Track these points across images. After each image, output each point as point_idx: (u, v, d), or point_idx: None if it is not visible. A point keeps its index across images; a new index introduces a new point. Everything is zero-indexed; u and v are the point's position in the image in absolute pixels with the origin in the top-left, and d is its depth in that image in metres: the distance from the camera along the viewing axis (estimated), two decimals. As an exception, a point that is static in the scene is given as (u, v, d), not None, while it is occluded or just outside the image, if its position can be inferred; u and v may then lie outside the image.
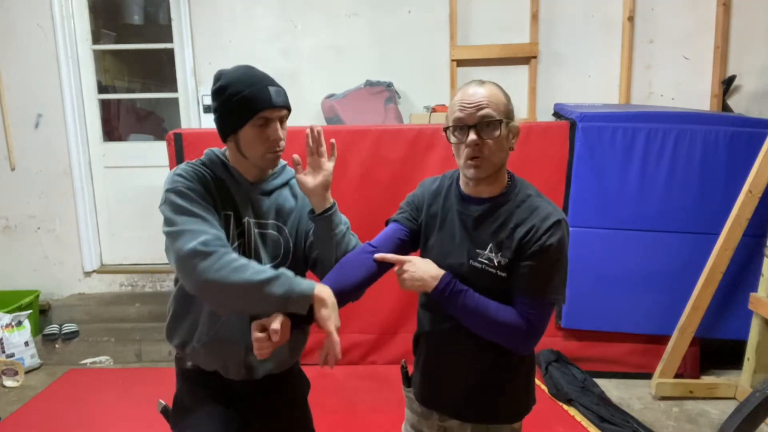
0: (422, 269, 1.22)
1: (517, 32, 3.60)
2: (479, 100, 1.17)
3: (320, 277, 1.29)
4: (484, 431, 1.29)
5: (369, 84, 3.51)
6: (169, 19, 3.77)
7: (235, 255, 1.16)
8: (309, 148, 1.29)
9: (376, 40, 3.67)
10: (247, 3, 3.66)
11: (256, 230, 1.33)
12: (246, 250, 1.31)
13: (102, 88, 3.99)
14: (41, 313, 3.80)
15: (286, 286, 1.13)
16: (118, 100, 4.19)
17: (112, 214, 3.98)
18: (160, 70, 4.05)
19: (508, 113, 1.20)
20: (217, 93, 1.26)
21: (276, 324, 1.10)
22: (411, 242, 1.33)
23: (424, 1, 3.61)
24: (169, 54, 3.83)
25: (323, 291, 1.16)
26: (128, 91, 4.42)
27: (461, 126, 1.19)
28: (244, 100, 1.22)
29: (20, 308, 3.53)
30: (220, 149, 1.35)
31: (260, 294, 1.12)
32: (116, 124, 4.21)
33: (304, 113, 3.60)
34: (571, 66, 3.60)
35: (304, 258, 1.40)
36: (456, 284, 1.20)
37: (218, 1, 3.66)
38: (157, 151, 3.68)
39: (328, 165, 1.30)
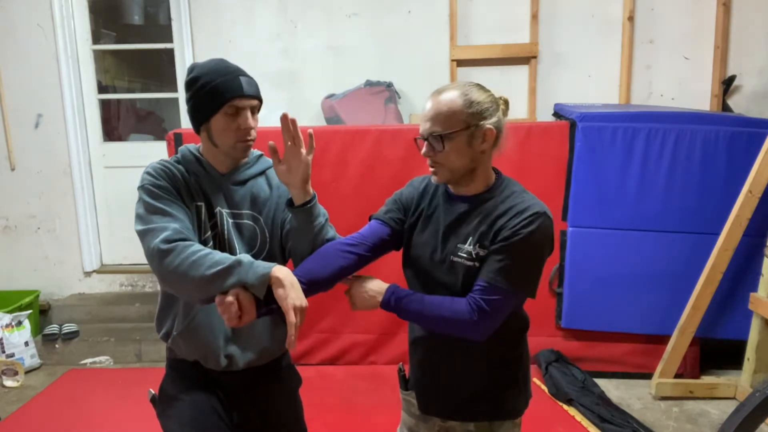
0: (368, 287, 1.25)
1: (517, 32, 3.60)
2: (428, 113, 1.21)
3: (296, 266, 1.29)
4: (487, 428, 1.29)
5: (369, 84, 3.51)
6: (169, 19, 3.77)
7: (196, 247, 1.17)
8: (284, 136, 1.27)
9: (376, 40, 3.66)
10: (247, 3, 3.65)
11: (231, 220, 1.34)
12: (221, 240, 1.32)
13: (102, 88, 3.99)
14: (41, 313, 3.80)
15: (240, 274, 1.13)
16: (118, 100, 4.19)
17: (112, 214, 3.98)
18: (160, 70, 4.05)
19: (466, 120, 1.17)
20: (190, 84, 1.29)
21: (229, 297, 1.11)
22: (392, 242, 1.33)
23: (424, 1, 3.61)
24: (169, 54, 3.83)
25: (279, 271, 1.13)
26: (128, 91, 4.43)
27: (419, 137, 1.24)
28: (216, 89, 1.25)
29: (20, 308, 3.53)
30: (195, 145, 1.38)
31: (215, 286, 1.13)
32: (116, 124, 4.21)
33: (304, 113, 3.59)
34: (571, 66, 3.60)
35: (281, 247, 1.40)
36: (398, 290, 1.24)
37: (218, 1, 3.65)
38: (157, 151, 3.66)
39: (307, 157, 1.27)
